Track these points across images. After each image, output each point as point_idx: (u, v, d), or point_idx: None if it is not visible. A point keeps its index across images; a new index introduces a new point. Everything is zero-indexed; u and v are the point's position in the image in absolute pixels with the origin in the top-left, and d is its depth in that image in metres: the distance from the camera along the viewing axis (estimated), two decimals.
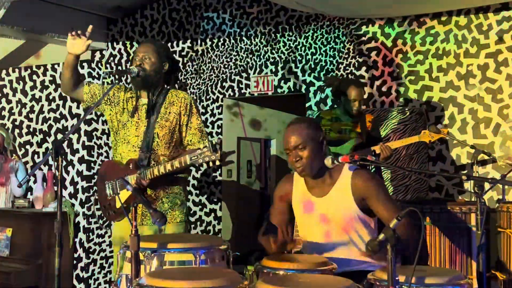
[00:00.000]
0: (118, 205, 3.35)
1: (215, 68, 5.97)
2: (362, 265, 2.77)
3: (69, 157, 5.90)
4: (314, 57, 5.51)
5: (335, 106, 4.76)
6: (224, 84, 5.93)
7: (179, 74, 3.78)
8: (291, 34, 5.62)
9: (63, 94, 6.15)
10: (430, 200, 4.28)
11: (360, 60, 5.32)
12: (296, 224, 3.16)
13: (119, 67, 6.17)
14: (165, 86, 3.54)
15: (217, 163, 3.05)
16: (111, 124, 3.57)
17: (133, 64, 3.42)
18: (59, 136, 6.04)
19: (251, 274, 2.53)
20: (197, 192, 5.97)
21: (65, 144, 5.90)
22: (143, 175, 3.26)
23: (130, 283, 2.36)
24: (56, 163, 2.74)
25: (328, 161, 2.71)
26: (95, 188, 5.78)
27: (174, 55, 5.87)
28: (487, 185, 2.45)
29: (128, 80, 3.53)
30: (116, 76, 3.38)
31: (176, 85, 3.62)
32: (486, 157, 4.53)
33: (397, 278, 2.08)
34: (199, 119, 3.49)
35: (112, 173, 3.43)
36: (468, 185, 4.70)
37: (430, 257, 3.59)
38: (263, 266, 2.52)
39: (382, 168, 4.47)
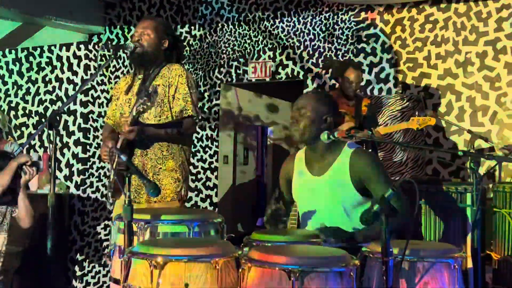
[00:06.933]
0: (112, 178, 3.32)
1: (213, 53, 5.94)
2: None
3: (65, 139, 5.88)
4: (313, 43, 5.49)
5: (331, 89, 4.78)
6: (221, 69, 5.91)
7: (182, 51, 3.66)
8: (289, 20, 5.60)
9: (59, 76, 6.15)
10: (426, 180, 4.28)
11: (359, 46, 5.30)
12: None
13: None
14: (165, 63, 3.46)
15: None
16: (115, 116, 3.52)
17: (132, 40, 3.37)
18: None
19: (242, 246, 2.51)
20: (193, 178, 5.95)
21: (61, 127, 5.91)
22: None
23: (123, 254, 2.34)
24: (50, 135, 2.69)
25: (323, 136, 2.70)
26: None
27: None
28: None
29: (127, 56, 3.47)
30: (112, 51, 3.32)
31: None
32: (483, 145, 4.52)
33: (391, 250, 2.07)
34: (186, 89, 3.31)
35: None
36: (465, 173, 4.71)
37: (425, 237, 3.59)
38: (252, 240, 2.51)
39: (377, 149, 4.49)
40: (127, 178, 2.43)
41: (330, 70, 4.88)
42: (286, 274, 1.95)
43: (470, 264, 2.93)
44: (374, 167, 2.77)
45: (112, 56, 3.26)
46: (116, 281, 2.54)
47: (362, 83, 5.19)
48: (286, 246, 2.29)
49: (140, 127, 3.17)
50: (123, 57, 6.06)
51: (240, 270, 2.10)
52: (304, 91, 5.50)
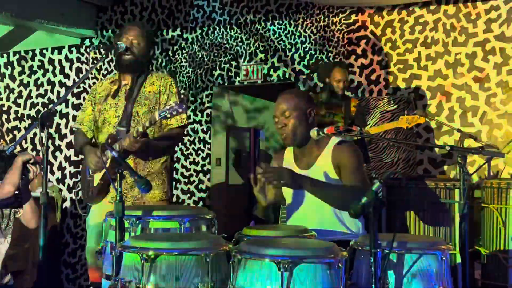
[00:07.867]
0: (96, 182, 3.34)
1: (204, 56, 5.97)
2: (343, 236, 2.78)
3: (57, 142, 5.89)
4: (304, 45, 5.53)
5: (321, 90, 4.82)
6: (213, 72, 5.93)
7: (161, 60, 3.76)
8: (281, 22, 5.63)
9: (51, 79, 6.16)
10: (415, 176, 4.32)
11: (350, 48, 5.34)
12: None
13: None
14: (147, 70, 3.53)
15: (184, 117, 3.24)
16: (94, 121, 3.50)
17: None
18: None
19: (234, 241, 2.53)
20: (186, 180, 5.97)
21: (53, 130, 5.90)
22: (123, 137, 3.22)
23: (115, 249, 2.35)
24: (42, 138, 2.71)
25: (313, 133, 2.73)
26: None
27: (164, 42, 5.88)
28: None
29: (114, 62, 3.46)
30: (102, 51, 3.35)
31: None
32: (472, 144, 4.55)
33: (379, 242, 2.09)
34: (177, 99, 3.39)
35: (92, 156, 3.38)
36: (455, 173, 4.74)
37: (414, 233, 3.61)
38: (243, 235, 2.53)
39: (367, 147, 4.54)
40: (119, 174, 2.45)
41: (316, 73, 4.94)
42: (276, 265, 1.97)
43: (458, 260, 2.96)
44: (351, 156, 2.84)
45: (104, 56, 3.29)
46: (108, 277, 2.56)
47: (353, 85, 5.24)
48: (276, 239, 2.31)
49: (147, 140, 3.21)
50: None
51: (230, 262, 2.12)
52: None
